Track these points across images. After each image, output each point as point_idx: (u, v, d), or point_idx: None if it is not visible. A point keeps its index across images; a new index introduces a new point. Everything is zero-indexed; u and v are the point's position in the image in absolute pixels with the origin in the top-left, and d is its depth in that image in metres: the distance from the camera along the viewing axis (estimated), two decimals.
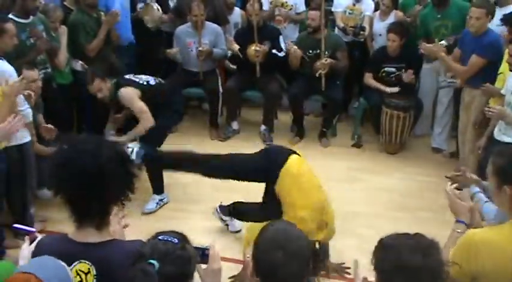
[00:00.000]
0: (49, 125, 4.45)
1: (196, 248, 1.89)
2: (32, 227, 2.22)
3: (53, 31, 4.96)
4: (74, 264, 1.87)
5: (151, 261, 1.68)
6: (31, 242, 2.05)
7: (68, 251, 1.87)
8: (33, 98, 4.30)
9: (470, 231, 2.30)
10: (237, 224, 4.43)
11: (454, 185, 2.57)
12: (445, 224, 4.33)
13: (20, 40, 4.38)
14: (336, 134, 6.30)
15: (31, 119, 4.11)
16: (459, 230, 2.37)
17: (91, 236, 1.92)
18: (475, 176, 3.06)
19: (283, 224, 2.04)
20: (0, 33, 3.92)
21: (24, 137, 4.07)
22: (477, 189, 2.92)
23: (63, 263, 1.69)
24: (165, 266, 1.69)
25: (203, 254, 1.94)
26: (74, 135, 3.82)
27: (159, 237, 1.78)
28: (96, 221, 1.92)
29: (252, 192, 4.11)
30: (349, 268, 3.90)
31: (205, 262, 1.95)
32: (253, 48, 5.91)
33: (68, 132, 5.22)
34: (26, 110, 4.04)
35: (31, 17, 4.62)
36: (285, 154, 3.85)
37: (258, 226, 2.02)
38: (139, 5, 6.15)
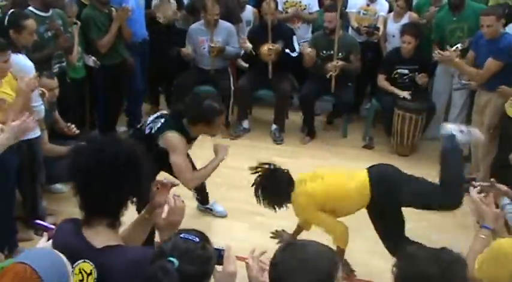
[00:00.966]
0: (69, 124, 4.49)
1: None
2: (43, 220, 2.23)
3: (69, 26, 4.99)
4: (79, 262, 1.86)
5: (171, 258, 1.67)
6: (49, 239, 2.06)
7: (76, 247, 1.87)
8: (48, 102, 4.36)
9: (498, 241, 2.28)
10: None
11: (478, 189, 2.54)
12: (454, 227, 4.35)
13: (38, 33, 4.41)
14: (347, 135, 6.28)
15: (43, 115, 4.14)
16: (484, 236, 2.36)
17: (99, 237, 1.91)
18: (504, 187, 3.01)
19: (301, 241, 1.95)
20: (20, 30, 3.95)
21: (35, 132, 4.08)
22: (507, 200, 2.90)
23: (62, 257, 1.66)
24: (184, 264, 1.67)
25: (218, 255, 1.92)
26: (95, 134, 3.85)
27: (180, 235, 1.76)
28: (107, 219, 1.93)
29: None
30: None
31: (220, 263, 1.93)
32: (266, 47, 5.90)
33: (80, 127, 5.26)
34: (40, 106, 4.08)
35: (50, 11, 4.65)
36: None
37: None
38: (155, 1, 6.16)
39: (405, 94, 5.73)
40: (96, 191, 1.89)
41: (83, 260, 1.86)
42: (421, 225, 4.34)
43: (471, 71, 4.93)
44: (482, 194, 2.50)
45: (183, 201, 2.19)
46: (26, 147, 4.04)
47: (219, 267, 1.93)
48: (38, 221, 2.21)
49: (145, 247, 2.04)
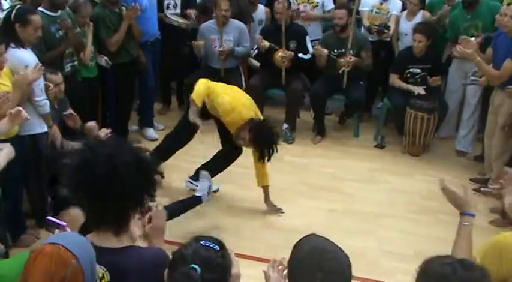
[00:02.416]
0: (72, 112, 4.47)
1: None
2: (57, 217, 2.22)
3: (81, 26, 5.01)
4: None
5: (194, 266, 1.66)
6: None
7: None
8: (55, 98, 4.37)
9: (502, 234, 2.24)
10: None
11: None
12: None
13: (49, 32, 4.43)
14: (358, 134, 6.25)
15: (48, 110, 4.10)
16: (467, 223, 2.29)
17: (108, 241, 1.87)
18: None
19: (318, 240, 1.88)
20: (24, 24, 3.94)
21: (39, 127, 4.08)
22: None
23: (86, 238, 1.66)
24: (205, 272, 1.66)
25: None
26: (96, 136, 3.79)
27: (201, 242, 1.74)
28: (113, 227, 1.87)
29: None
30: None
31: None
32: (280, 54, 5.88)
33: None
34: (43, 101, 4.05)
35: (59, 11, 4.67)
36: None
37: None
38: (169, 12, 6.15)
39: (420, 90, 5.68)
40: (95, 204, 1.84)
41: None
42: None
43: (490, 71, 4.82)
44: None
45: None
46: (30, 142, 4.03)
47: None
48: (50, 218, 2.19)
49: (157, 248, 2.00)
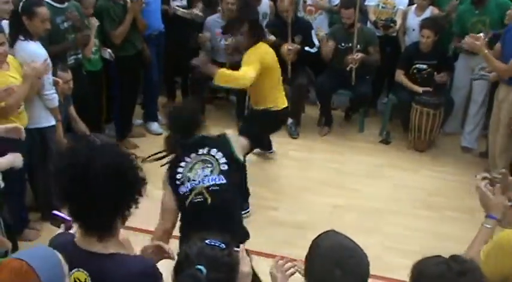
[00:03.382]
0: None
1: None
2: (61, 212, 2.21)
3: (86, 18, 5.00)
4: (73, 270, 1.79)
5: (199, 267, 1.63)
6: (66, 230, 2.05)
7: (70, 256, 1.77)
8: (62, 94, 4.37)
9: (505, 232, 2.22)
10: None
11: (486, 181, 2.44)
12: (472, 225, 4.26)
13: (55, 24, 4.41)
14: (363, 129, 6.22)
15: (57, 104, 4.12)
16: (489, 225, 2.29)
17: (93, 245, 1.81)
18: None
19: (338, 237, 1.85)
20: (31, 16, 3.93)
21: (47, 120, 4.09)
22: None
23: (59, 256, 1.63)
24: (212, 272, 1.63)
25: None
26: (78, 138, 3.73)
27: (206, 242, 1.71)
28: (97, 232, 1.80)
29: None
30: None
31: None
32: (286, 47, 5.86)
33: (96, 120, 5.28)
34: (52, 94, 4.06)
35: (66, 3, 4.65)
36: None
37: None
38: (175, 2, 6.12)
39: (425, 89, 5.66)
40: (77, 209, 1.80)
41: (76, 269, 1.80)
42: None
43: (498, 66, 4.76)
44: (490, 186, 2.41)
45: None
46: (37, 135, 4.04)
47: None
48: (56, 212, 2.18)
49: (147, 258, 1.94)
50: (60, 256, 1.63)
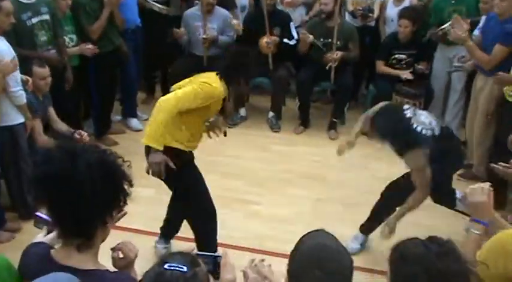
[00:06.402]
0: (80, 131, 4.41)
1: (206, 255, 1.77)
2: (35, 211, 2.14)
3: (60, 11, 4.89)
4: None
5: None
6: (48, 232, 1.96)
7: (45, 273, 1.64)
8: (40, 91, 4.33)
9: (504, 232, 2.08)
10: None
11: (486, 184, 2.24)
12: (455, 217, 4.29)
13: (21, 21, 4.32)
14: (344, 122, 6.21)
15: (24, 101, 4.04)
16: (478, 232, 2.15)
17: (71, 259, 1.70)
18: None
19: (324, 237, 1.80)
20: None
21: (16, 118, 4.04)
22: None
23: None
24: None
25: (214, 263, 1.81)
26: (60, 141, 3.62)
27: (165, 266, 1.58)
28: (76, 240, 1.70)
29: None
30: None
31: (217, 271, 1.82)
32: (264, 40, 5.82)
33: (74, 117, 5.18)
34: (18, 91, 3.99)
35: None
36: None
37: None
38: None
39: (407, 74, 5.66)
40: (56, 214, 1.69)
41: None
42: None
43: (480, 56, 4.76)
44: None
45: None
46: (7, 133, 4.00)
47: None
48: (39, 214, 2.10)
49: (124, 275, 1.84)
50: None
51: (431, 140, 3.50)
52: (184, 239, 3.87)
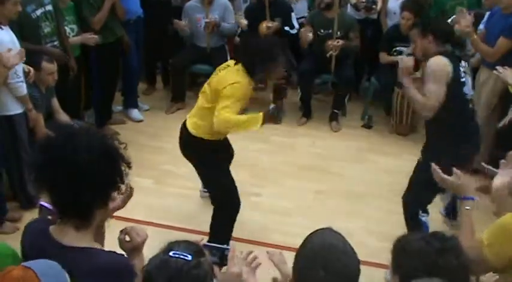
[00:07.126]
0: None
1: (214, 247, 1.78)
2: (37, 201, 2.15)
3: (62, 1, 4.89)
4: None
5: None
6: (52, 222, 1.98)
7: (42, 247, 1.73)
8: (46, 84, 4.36)
9: (509, 214, 2.12)
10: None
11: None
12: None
13: (26, 13, 4.31)
14: (345, 114, 6.21)
15: (24, 92, 4.05)
16: (468, 207, 2.26)
17: (68, 237, 1.74)
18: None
19: (331, 236, 1.78)
20: (3, 1, 3.84)
21: (15, 108, 4.05)
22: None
23: (66, 274, 1.59)
24: None
25: (221, 255, 1.82)
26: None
27: (170, 254, 1.60)
28: (74, 219, 1.74)
29: None
30: None
31: (224, 264, 1.83)
32: (264, 25, 5.81)
33: (75, 107, 5.19)
34: (17, 83, 3.99)
35: None
36: None
37: None
38: None
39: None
40: (57, 193, 1.73)
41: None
42: None
43: (484, 49, 4.75)
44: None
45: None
46: (5, 123, 4.01)
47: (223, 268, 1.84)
48: (44, 203, 2.12)
49: (121, 256, 1.85)
50: (66, 274, 1.59)
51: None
52: (194, 232, 3.90)
